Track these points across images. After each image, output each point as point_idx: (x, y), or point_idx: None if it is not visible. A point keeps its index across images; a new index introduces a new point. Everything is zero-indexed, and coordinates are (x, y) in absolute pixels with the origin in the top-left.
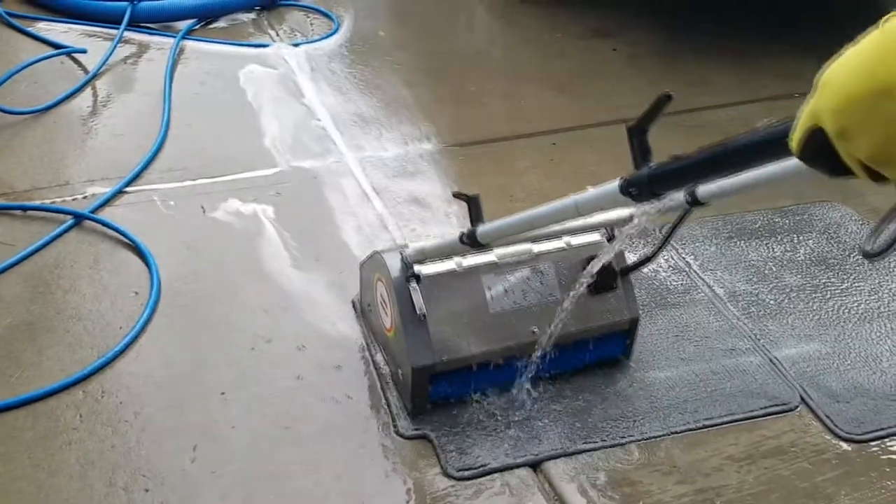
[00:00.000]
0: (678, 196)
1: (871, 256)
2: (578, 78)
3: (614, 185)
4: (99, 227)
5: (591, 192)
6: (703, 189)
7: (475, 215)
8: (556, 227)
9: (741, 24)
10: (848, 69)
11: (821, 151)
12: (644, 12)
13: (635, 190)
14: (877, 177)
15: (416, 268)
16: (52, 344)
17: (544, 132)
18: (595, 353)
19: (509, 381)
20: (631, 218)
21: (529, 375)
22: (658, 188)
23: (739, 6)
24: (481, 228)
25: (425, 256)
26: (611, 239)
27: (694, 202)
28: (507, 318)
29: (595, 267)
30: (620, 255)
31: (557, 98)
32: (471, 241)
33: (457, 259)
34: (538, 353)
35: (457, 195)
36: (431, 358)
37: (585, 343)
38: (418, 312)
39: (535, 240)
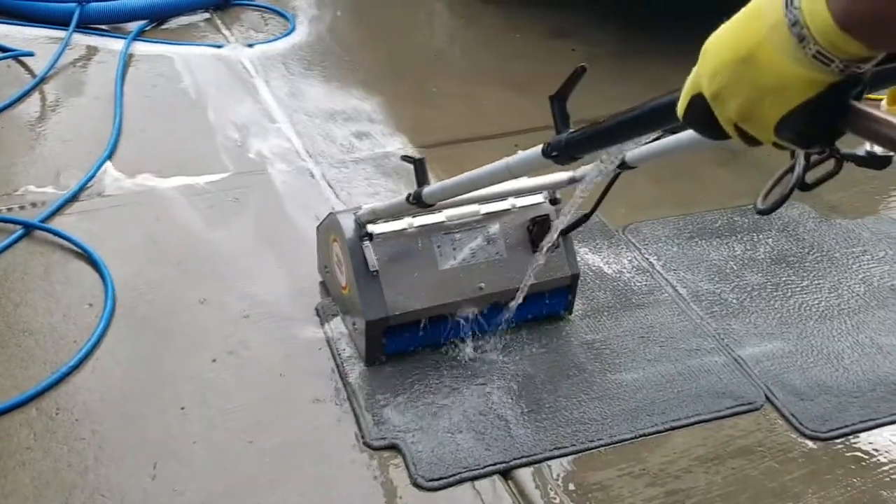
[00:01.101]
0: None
1: (762, 213)
2: (538, 78)
3: (539, 149)
4: (50, 236)
5: (521, 154)
6: (631, 154)
7: (421, 177)
8: (505, 189)
9: (697, 24)
10: (720, 39)
11: (701, 116)
12: (602, 13)
13: (556, 153)
14: (750, 139)
15: (370, 227)
16: (3, 360)
17: (507, 133)
18: (539, 309)
19: (459, 336)
20: (573, 180)
21: (478, 330)
22: (575, 151)
23: (696, 6)
24: (427, 189)
25: (376, 216)
26: (553, 201)
27: (623, 165)
28: (456, 275)
29: (555, 232)
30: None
31: (519, 99)
32: (417, 202)
33: (408, 219)
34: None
35: (404, 158)
36: (384, 312)
37: (530, 299)
38: (371, 269)
39: (482, 202)
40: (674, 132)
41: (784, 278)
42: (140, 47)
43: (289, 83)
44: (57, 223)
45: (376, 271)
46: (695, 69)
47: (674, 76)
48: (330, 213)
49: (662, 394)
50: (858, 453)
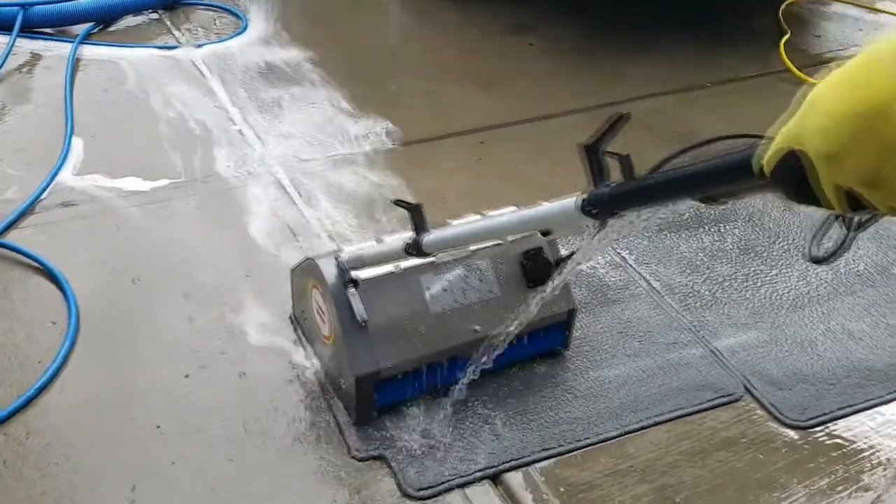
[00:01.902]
0: None
1: (818, 262)
2: (499, 74)
3: (571, 202)
4: (6, 252)
5: (546, 207)
6: None
7: (419, 224)
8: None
9: (653, 18)
10: (836, 90)
11: (792, 174)
12: (560, 9)
13: (595, 209)
14: (855, 205)
15: (353, 272)
16: None
17: (471, 131)
18: (536, 346)
19: (455, 382)
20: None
21: (474, 374)
22: (619, 207)
23: (652, 3)
24: (427, 238)
25: (364, 263)
26: (546, 233)
27: None
28: (449, 318)
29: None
30: (554, 248)
31: (480, 95)
32: (416, 251)
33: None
34: (484, 355)
35: (398, 203)
36: (375, 365)
37: (527, 336)
38: (359, 319)
39: None
40: (714, 199)
41: (753, 268)
42: (88, 51)
43: (244, 83)
44: (13, 237)
45: (365, 322)
46: (791, 121)
47: (633, 70)
48: (307, 258)
49: (645, 389)
50: (839, 440)
